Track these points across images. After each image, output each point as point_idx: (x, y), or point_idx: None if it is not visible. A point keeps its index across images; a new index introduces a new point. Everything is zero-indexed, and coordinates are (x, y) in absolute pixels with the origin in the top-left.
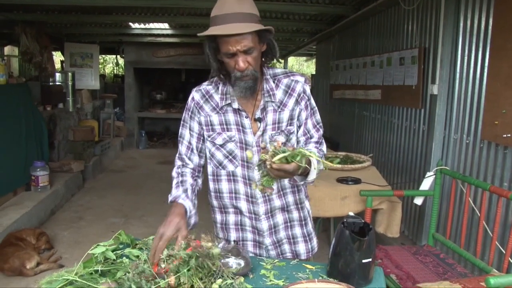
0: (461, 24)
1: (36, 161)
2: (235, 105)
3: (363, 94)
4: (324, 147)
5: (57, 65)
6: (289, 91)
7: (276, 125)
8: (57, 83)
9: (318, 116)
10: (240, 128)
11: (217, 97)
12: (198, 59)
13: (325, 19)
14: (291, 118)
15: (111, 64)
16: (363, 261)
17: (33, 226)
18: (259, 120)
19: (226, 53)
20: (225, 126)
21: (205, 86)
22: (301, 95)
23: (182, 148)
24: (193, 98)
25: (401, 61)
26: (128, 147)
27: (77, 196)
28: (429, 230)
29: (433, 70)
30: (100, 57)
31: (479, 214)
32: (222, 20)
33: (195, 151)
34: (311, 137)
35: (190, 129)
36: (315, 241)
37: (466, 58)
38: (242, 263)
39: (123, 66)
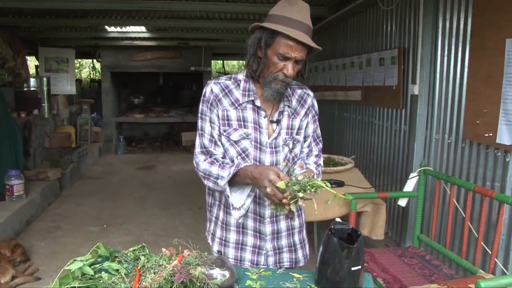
0: (440, 24)
1: (10, 169)
2: (258, 102)
3: (343, 95)
4: (321, 161)
5: (32, 70)
6: (302, 101)
7: (290, 130)
8: (32, 89)
9: (319, 131)
10: (257, 127)
11: (237, 93)
12: (175, 62)
13: None
14: (299, 128)
15: (88, 68)
16: (353, 268)
17: (7, 238)
18: (277, 122)
19: (283, 54)
20: (242, 123)
21: (224, 80)
22: (310, 108)
23: (205, 141)
24: (211, 90)
25: (380, 61)
26: (106, 153)
27: (54, 205)
28: (413, 231)
29: (413, 70)
30: (76, 62)
31: (463, 215)
32: (295, 25)
33: (218, 143)
34: (311, 150)
35: (210, 121)
36: (307, 246)
37: (446, 58)
38: (227, 274)
39: (99, 71)
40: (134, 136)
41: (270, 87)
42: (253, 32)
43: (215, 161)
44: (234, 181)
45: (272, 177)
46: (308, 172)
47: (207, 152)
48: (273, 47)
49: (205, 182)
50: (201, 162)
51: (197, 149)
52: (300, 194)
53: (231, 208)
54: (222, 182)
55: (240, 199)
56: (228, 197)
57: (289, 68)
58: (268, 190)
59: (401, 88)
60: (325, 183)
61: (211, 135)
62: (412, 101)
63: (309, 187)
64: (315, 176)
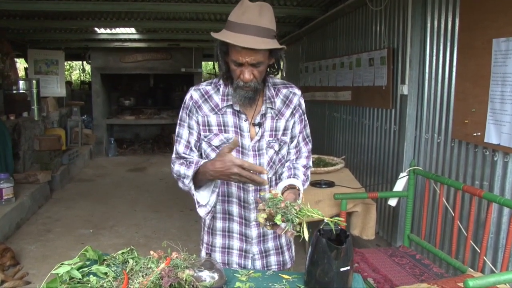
0: (429, 25)
1: None
2: (237, 107)
3: (333, 96)
4: (311, 162)
5: (21, 73)
6: (287, 101)
7: (274, 132)
8: (21, 91)
9: (308, 130)
10: (238, 131)
11: (217, 98)
12: (166, 64)
13: (293, 21)
14: (285, 129)
15: (78, 70)
16: (341, 269)
17: None
18: (259, 125)
19: (235, 61)
20: (222, 128)
21: (204, 86)
22: (297, 108)
23: (180, 148)
24: (191, 97)
25: (370, 62)
26: (97, 155)
27: (45, 208)
28: (404, 231)
29: (402, 70)
30: (65, 64)
31: (453, 214)
32: (240, 29)
33: (194, 149)
34: (300, 151)
35: (189, 127)
36: (293, 247)
37: (434, 58)
38: (216, 276)
39: (89, 72)
40: (125, 138)
41: (237, 92)
42: None
43: (184, 161)
44: (200, 180)
45: (237, 162)
46: (291, 194)
47: (181, 158)
48: (229, 55)
49: (179, 184)
50: (176, 165)
51: (173, 155)
52: (278, 221)
53: (197, 206)
54: (187, 181)
55: (205, 196)
56: (193, 195)
57: (245, 74)
58: (237, 175)
59: (390, 88)
60: (316, 211)
61: (188, 141)
62: (402, 101)
63: (294, 216)
64: (301, 187)
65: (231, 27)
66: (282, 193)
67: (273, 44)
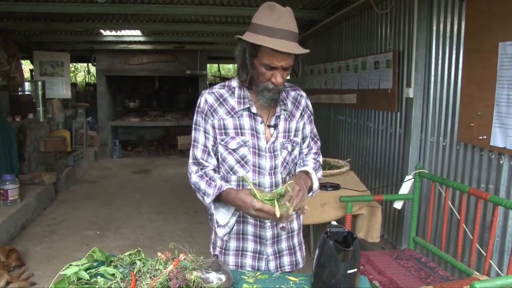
0: (434, 28)
1: (5, 174)
2: (254, 109)
3: (339, 99)
4: (320, 158)
5: (27, 74)
6: (296, 103)
7: (287, 134)
8: (27, 93)
9: (315, 130)
10: (254, 133)
11: (232, 101)
12: (171, 66)
13: (299, 24)
14: (296, 129)
15: (83, 72)
16: (349, 271)
17: (2, 243)
18: (275, 126)
19: (269, 65)
20: (239, 131)
21: (218, 89)
22: (305, 109)
23: (198, 152)
24: (206, 100)
25: (375, 65)
26: (102, 157)
27: (50, 209)
28: (409, 234)
29: (408, 73)
30: (71, 66)
31: (458, 217)
32: (276, 34)
33: (211, 153)
34: (311, 149)
35: (205, 132)
36: (304, 247)
37: (440, 61)
38: (223, 278)
39: (95, 74)
40: (130, 140)
41: (263, 95)
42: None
43: (204, 175)
44: (220, 200)
45: (257, 206)
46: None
47: (198, 164)
48: (258, 58)
49: (196, 194)
50: (193, 174)
51: (190, 160)
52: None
53: (216, 225)
54: (208, 200)
55: (226, 215)
56: (213, 215)
57: (277, 77)
58: (254, 216)
59: (396, 91)
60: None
61: (205, 146)
62: (407, 104)
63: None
64: (311, 170)
65: (265, 31)
66: None
67: (304, 49)
